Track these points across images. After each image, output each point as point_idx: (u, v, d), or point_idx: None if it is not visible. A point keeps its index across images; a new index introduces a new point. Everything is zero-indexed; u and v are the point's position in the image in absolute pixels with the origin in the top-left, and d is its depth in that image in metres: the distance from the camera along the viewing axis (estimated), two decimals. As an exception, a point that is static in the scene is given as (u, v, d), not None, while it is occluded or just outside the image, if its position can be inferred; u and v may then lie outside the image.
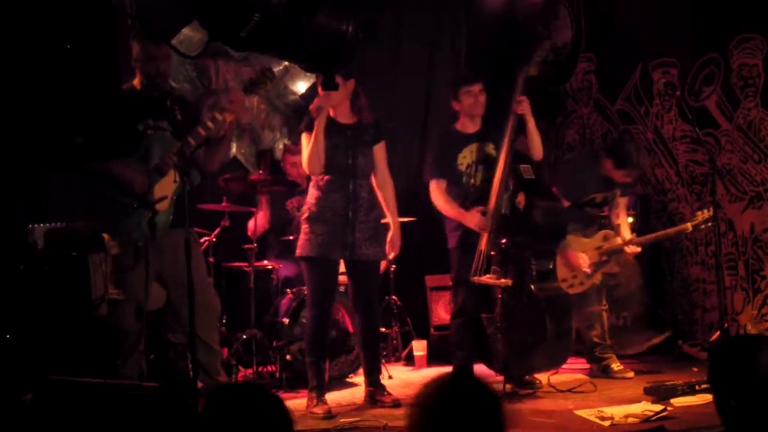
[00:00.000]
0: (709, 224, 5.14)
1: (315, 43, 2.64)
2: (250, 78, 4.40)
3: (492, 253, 4.82)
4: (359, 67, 6.08)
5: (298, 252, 4.77)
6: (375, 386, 4.88)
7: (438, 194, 5.05)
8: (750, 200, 5.69)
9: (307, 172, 4.76)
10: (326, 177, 4.70)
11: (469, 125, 5.12)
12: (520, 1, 7.16)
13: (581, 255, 5.32)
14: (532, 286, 4.97)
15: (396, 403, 4.74)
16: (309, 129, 4.67)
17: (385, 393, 4.84)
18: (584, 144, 6.97)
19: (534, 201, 4.93)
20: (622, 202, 5.55)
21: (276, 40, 2.56)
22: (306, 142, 4.69)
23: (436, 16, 7.46)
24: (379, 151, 4.87)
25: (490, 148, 5.05)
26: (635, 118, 6.49)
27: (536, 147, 5.04)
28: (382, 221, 4.98)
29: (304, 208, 4.83)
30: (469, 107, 5.07)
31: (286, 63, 6.63)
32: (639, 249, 5.44)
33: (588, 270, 5.32)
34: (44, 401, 2.96)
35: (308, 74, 6.73)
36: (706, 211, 5.19)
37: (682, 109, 6.07)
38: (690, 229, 5.23)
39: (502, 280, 4.77)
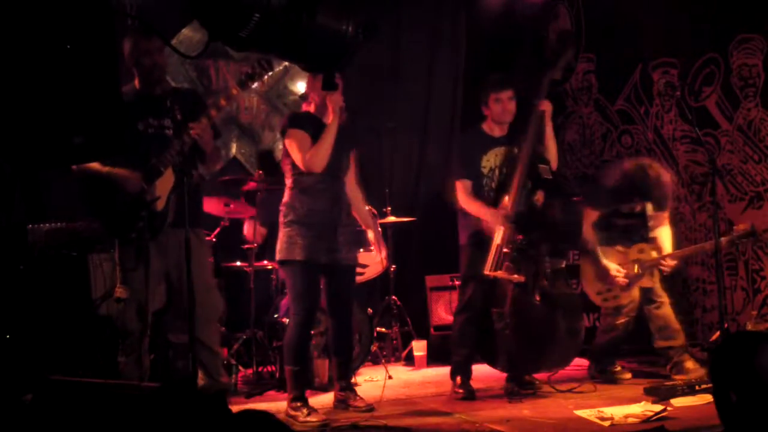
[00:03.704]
0: (750, 239, 5.02)
1: (315, 43, 2.64)
2: (246, 72, 4.38)
3: (505, 249, 4.82)
4: (359, 68, 6.11)
5: (282, 256, 4.60)
6: (347, 390, 4.77)
7: (463, 194, 5.03)
8: (750, 200, 5.69)
9: (308, 169, 4.56)
10: (312, 178, 4.58)
11: (496, 129, 5.11)
12: (519, 1, 7.16)
13: (617, 268, 5.29)
14: (546, 283, 4.98)
15: (369, 408, 4.65)
16: (299, 126, 4.58)
17: (358, 397, 4.75)
18: (584, 144, 6.97)
19: (552, 199, 4.95)
20: (660, 216, 5.41)
21: (276, 40, 2.56)
22: (297, 139, 4.56)
23: (436, 16, 7.46)
24: (354, 156, 4.84)
25: (515, 153, 5.04)
26: (635, 118, 6.49)
27: (551, 151, 5.06)
28: (357, 228, 4.95)
29: (286, 210, 4.65)
30: (498, 115, 5.06)
31: (286, 63, 6.64)
32: (674, 263, 5.32)
33: (623, 283, 5.29)
34: (44, 401, 2.95)
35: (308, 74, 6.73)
36: (741, 225, 5.09)
37: (682, 109, 6.07)
38: (724, 244, 5.05)
39: (515, 276, 4.79)
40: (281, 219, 4.67)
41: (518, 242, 4.85)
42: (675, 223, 6.14)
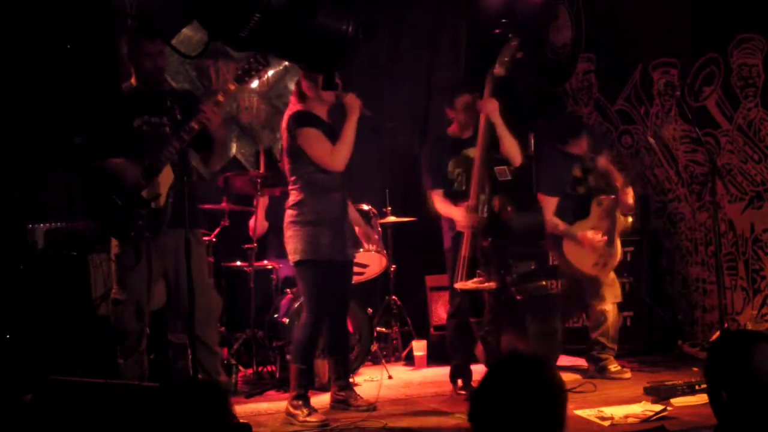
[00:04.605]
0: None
1: (315, 43, 2.64)
2: (243, 67, 4.37)
3: (474, 257, 4.79)
4: (359, 68, 6.11)
5: (300, 256, 4.54)
6: (347, 389, 4.78)
7: (439, 202, 5.02)
8: (750, 200, 5.69)
9: (331, 167, 4.55)
10: (327, 176, 4.58)
11: (464, 131, 5.09)
12: (519, 1, 7.15)
13: (589, 232, 5.33)
14: (513, 289, 4.95)
15: (370, 407, 4.66)
16: (311, 125, 4.57)
17: (358, 397, 4.77)
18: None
19: (509, 204, 4.86)
20: (602, 159, 5.40)
21: (276, 40, 2.57)
22: (316, 138, 4.54)
23: (436, 16, 7.46)
24: None
25: (473, 152, 5.00)
26: (635, 118, 6.49)
27: (510, 151, 4.92)
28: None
29: (299, 209, 4.59)
30: (466, 120, 5.04)
31: (286, 63, 6.63)
32: (630, 191, 5.39)
33: (604, 240, 5.31)
34: (44, 401, 2.96)
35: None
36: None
37: (682, 109, 6.07)
38: (650, 138, 5.22)
39: (486, 284, 4.73)
40: (292, 219, 4.60)
41: (483, 249, 4.80)
42: (674, 223, 6.16)
